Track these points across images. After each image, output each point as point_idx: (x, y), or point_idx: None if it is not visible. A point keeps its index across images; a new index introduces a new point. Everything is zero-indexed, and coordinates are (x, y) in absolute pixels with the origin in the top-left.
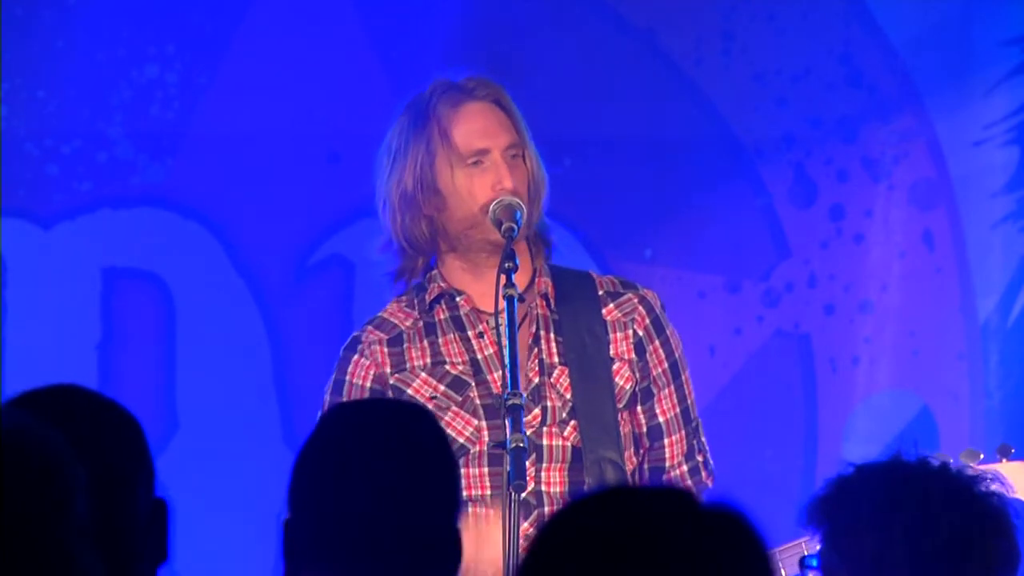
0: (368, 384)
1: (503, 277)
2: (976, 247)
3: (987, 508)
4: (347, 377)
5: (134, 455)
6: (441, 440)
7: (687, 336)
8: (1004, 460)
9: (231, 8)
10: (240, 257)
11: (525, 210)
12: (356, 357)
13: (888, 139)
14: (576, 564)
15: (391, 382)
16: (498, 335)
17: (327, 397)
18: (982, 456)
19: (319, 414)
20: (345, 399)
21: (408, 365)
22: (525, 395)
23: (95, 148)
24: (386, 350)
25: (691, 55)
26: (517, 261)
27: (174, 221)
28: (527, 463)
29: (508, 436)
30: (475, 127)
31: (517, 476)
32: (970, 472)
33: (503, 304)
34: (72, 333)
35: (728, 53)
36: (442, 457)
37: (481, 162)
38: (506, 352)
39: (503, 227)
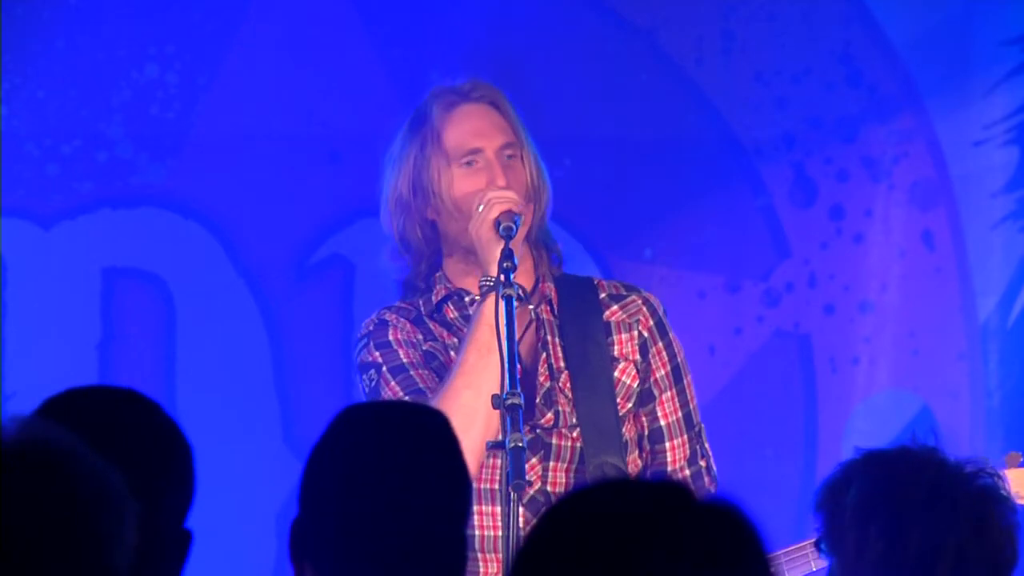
0: (412, 339)
1: (501, 277)
2: (976, 247)
3: (972, 512)
4: (390, 336)
5: (173, 478)
6: (453, 446)
7: (687, 336)
8: (1011, 468)
9: (231, 8)
10: (240, 257)
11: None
12: (391, 330)
13: (888, 139)
14: (573, 555)
15: (424, 348)
16: (497, 334)
17: (383, 371)
18: (1022, 458)
19: (369, 388)
20: (403, 357)
21: (437, 339)
22: (523, 394)
23: (95, 148)
24: (412, 326)
25: (691, 55)
26: (515, 261)
27: (174, 221)
28: (535, 459)
29: (507, 436)
30: (467, 128)
31: (516, 476)
32: (969, 469)
33: (502, 304)
34: (72, 333)
35: (728, 53)
36: (453, 463)
37: (474, 162)
38: (504, 352)
39: (501, 227)
